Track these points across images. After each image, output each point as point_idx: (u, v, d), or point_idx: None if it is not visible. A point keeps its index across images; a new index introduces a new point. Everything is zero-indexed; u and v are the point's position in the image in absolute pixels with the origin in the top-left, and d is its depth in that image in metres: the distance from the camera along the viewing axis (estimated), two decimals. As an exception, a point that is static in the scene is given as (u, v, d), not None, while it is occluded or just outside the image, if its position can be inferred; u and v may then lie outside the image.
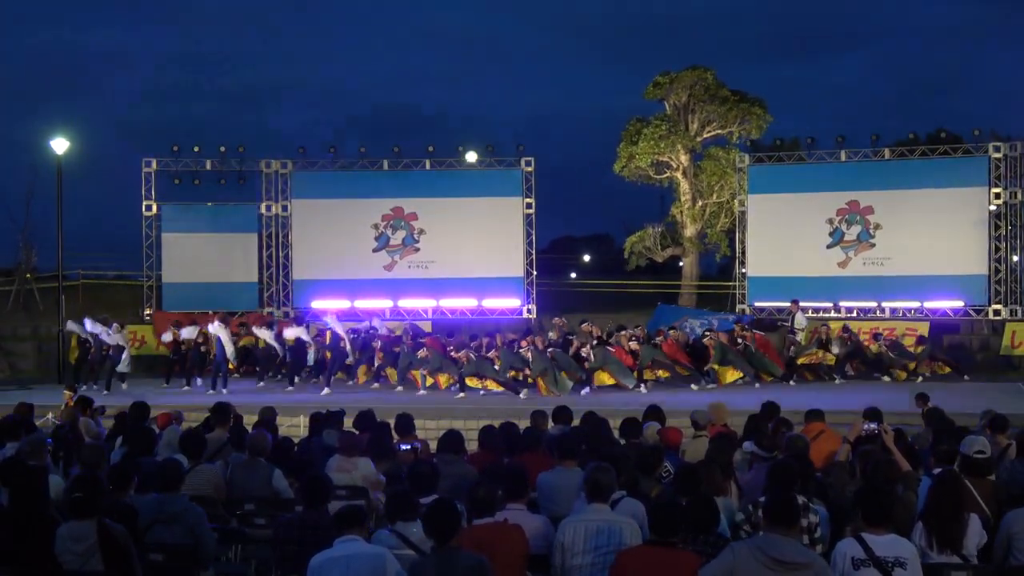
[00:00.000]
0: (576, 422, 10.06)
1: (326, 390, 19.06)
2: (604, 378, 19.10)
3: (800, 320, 22.09)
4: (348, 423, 10.62)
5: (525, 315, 25.62)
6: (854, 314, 24.21)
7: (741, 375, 19.65)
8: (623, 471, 6.74)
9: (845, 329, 21.29)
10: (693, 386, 19.11)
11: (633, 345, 19.72)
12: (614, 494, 6.28)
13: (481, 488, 6.07)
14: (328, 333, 20.11)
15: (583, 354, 19.37)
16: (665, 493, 6.94)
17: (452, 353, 19.40)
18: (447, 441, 8.33)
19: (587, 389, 18.82)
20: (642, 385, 19.05)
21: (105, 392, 18.79)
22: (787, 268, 23.82)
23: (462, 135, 26.29)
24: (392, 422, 9.72)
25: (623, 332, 20.44)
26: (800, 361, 20.56)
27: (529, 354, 18.80)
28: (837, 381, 20.15)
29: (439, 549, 5.30)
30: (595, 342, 20.09)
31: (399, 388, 19.53)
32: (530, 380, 18.82)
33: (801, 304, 22.77)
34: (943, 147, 24.42)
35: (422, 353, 19.41)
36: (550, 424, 9.86)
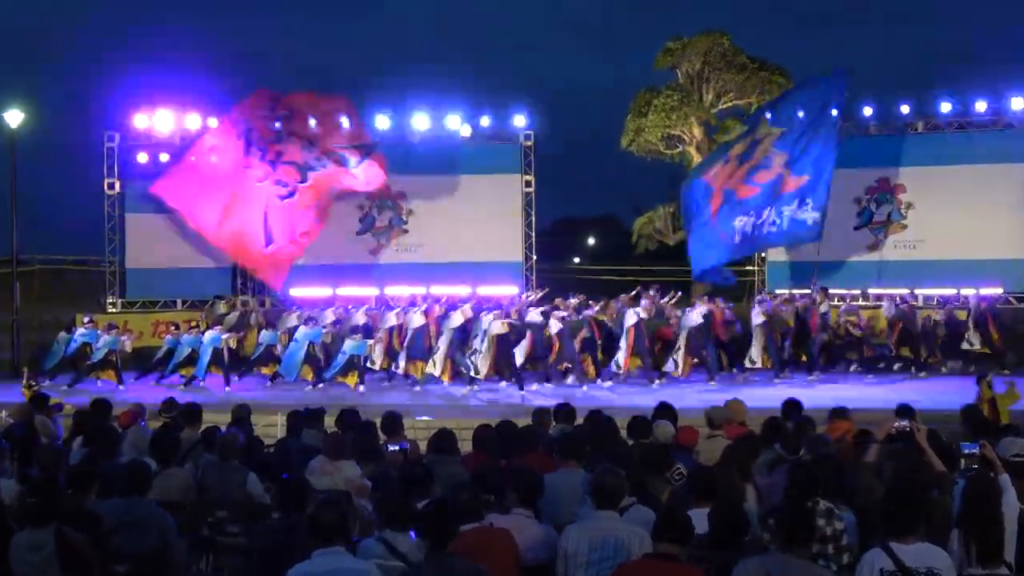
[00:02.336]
0: (580, 420, 10.07)
1: (308, 387, 19.19)
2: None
3: (825, 309, 22.02)
4: (330, 422, 10.62)
5: (524, 303, 25.61)
6: (884, 302, 24.19)
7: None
8: (631, 474, 6.75)
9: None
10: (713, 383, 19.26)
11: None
12: (624, 500, 6.29)
13: (465, 491, 6.09)
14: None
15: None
16: (677, 497, 6.95)
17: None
18: (439, 442, 8.34)
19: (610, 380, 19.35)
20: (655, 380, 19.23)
21: (65, 387, 18.79)
22: (811, 252, 23.76)
23: (455, 106, 26.07)
24: (378, 421, 9.73)
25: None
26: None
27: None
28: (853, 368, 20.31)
29: (435, 554, 5.31)
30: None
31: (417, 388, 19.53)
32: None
33: (828, 292, 22.75)
34: (981, 119, 24.36)
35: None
36: (552, 423, 9.89)
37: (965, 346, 20.92)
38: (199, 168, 21.83)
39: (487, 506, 6.38)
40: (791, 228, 21.64)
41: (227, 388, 19.13)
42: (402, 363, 19.59)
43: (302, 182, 22.06)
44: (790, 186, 21.24)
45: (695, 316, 19.75)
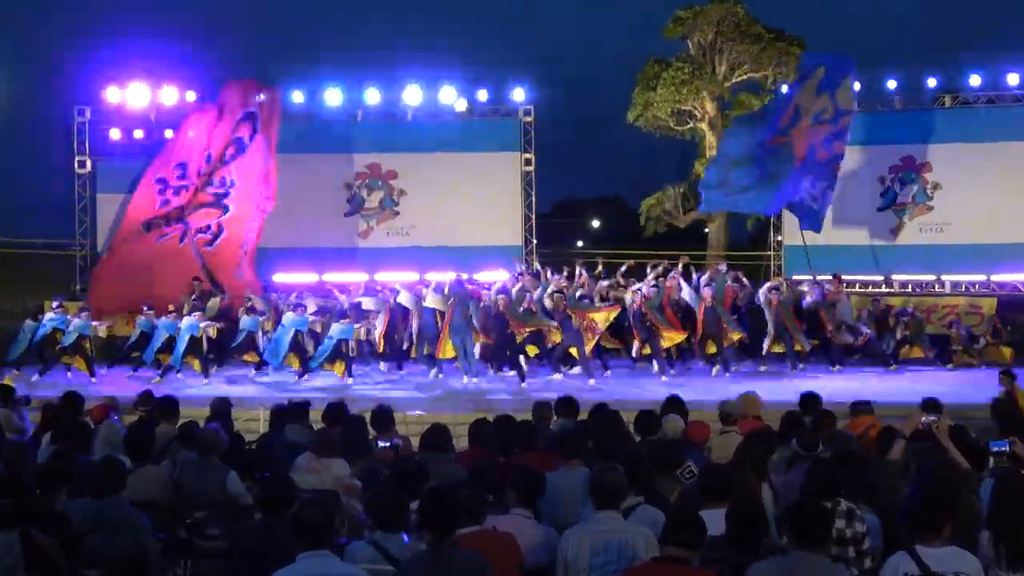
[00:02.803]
0: (584, 415, 10.07)
1: (296, 378, 19.14)
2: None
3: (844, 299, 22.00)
4: (315, 416, 10.62)
5: (524, 290, 25.60)
6: (909, 289, 24.22)
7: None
8: (639, 472, 6.75)
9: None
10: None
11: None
12: (629, 500, 6.29)
13: (465, 491, 6.08)
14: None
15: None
16: (687, 496, 6.95)
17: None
18: (432, 437, 8.34)
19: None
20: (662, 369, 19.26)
21: (34, 379, 18.78)
22: (831, 236, 23.74)
23: (451, 79, 25.97)
24: (368, 416, 9.73)
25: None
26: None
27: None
28: (893, 367, 20.28)
29: (436, 545, 5.32)
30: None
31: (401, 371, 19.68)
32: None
33: (845, 278, 22.70)
34: (1013, 93, 24.32)
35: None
36: (553, 418, 9.89)
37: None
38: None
39: (487, 506, 6.38)
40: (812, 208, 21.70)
41: (206, 380, 19.12)
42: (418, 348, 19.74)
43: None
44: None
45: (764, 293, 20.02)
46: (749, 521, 5.66)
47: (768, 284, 20.53)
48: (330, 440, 8.61)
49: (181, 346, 19.26)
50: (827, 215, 22.25)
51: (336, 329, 19.02)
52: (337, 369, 19.07)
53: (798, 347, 19.79)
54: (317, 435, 8.88)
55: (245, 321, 19.90)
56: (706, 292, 19.57)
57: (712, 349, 19.94)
